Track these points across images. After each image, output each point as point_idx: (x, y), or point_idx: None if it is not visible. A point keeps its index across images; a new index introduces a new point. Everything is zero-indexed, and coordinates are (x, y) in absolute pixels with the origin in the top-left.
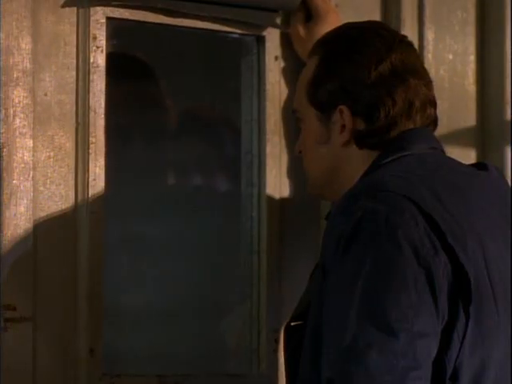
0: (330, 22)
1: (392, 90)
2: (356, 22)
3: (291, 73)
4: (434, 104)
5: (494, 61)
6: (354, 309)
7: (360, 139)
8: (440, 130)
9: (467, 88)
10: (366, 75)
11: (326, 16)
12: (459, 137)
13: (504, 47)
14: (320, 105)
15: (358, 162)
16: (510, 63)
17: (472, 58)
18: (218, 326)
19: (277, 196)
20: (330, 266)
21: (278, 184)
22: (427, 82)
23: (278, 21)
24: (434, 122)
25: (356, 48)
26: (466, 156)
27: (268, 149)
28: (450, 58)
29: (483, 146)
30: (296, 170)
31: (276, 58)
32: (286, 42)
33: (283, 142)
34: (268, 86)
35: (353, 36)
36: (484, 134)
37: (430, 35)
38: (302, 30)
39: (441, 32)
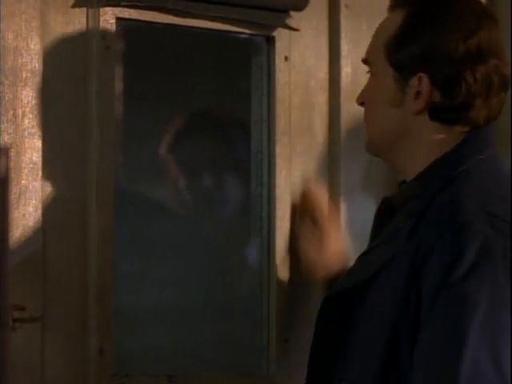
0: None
1: (475, 68)
2: None
3: (301, 73)
4: (507, 87)
5: None
6: (470, 345)
7: (434, 111)
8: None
9: None
10: (453, 48)
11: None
12: None
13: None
14: (399, 66)
15: (429, 134)
16: None
17: None
18: (228, 326)
19: (287, 196)
20: (433, 283)
21: (287, 184)
22: (506, 62)
23: (288, 21)
24: (500, 111)
25: (448, 17)
26: None
27: (278, 149)
28: None
29: None
30: (306, 171)
31: (286, 58)
32: (296, 42)
33: (293, 142)
34: (278, 87)
35: (447, 2)
36: None
37: None
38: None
39: None
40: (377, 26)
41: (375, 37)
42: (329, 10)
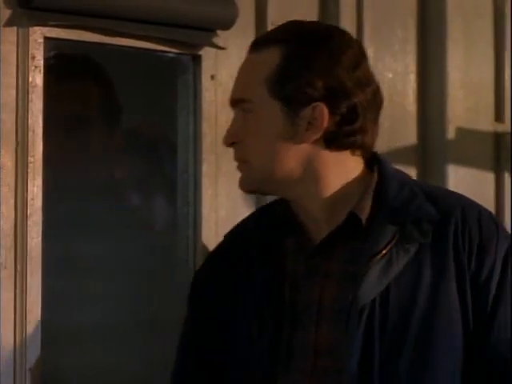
0: None
1: (366, 96)
2: (314, 21)
3: (227, 92)
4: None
5: (435, 79)
6: None
7: (331, 139)
8: (381, 149)
9: (408, 107)
10: (347, 77)
11: None
12: (400, 155)
13: (444, 66)
14: (288, 100)
15: (331, 162)
16: (450, 82)
17: (412, 76)
18: (156, 343)
19: (213, 215)
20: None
21: (213, 203)
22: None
23: (215, 40)
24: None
25: (339, 47)
26: None
27: (204, 168)
28: (389, 77)
29: (424, 165)
30: (232, 190)
31: (212, 76)
32: (223, 60)
33: (219, 161)
34: (204, 105)
35: (331, 33)
36: (424, 152)
37: (369, 54)
38: None
39: (380, 51)
40: None
41: (249, 74)
42: (255, 28)
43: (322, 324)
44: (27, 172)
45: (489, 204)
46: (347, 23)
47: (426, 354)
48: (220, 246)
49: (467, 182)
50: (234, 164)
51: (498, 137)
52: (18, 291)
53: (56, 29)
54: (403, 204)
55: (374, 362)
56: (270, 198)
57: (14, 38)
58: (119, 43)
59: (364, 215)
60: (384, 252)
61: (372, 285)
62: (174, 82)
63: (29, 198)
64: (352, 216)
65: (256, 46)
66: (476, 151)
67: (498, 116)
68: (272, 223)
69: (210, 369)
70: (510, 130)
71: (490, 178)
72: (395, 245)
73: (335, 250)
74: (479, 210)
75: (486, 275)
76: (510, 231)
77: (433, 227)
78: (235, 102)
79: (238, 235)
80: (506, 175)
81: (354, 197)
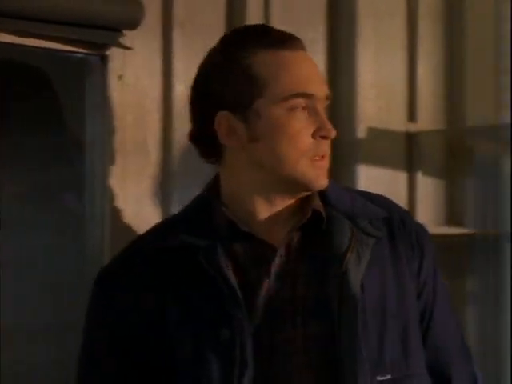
0: None
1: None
2: None
3: (135, 92)
4: None
5: (345, 79)
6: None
7: None
8: None
9: None
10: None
11: None
12: None
13: (355, 65)
14: None
15: None
16: (360, 81)
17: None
18: (65, 346)
19: (120, 215)
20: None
21: (121, 203)
22: None
23: (122, 40)
24: None
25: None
26: None
27: (111, 169)
28: None
29: (335, 165)
30: (139, 190)
31: (120, 77)
32: (130, 61)
33: (127, 161)
34: (111, 106)
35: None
36: (335, 152)
37: None
38: None
39: None
40: (211, 43)
41: (319, 72)
42: (162, 28)
43: (306, 321)
44: None
45: (401, 204)
46: (253, 21)
47: (405, 335)
48: (143, 251)
49: (379, 181)
50: (141, 164)
51: (410, 136)
52: None
53: None
54: (349, 204)
55: (364, 349)
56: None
57: None
58: (28, 44)
59: (324, 213)
60: (352, 247)
61: (354, 278)
62: (82, 82)
63: None
64: (314, 214)
65: (301, 44)
66: (388, 151)
67: (411, 116)
68: (211, 228)
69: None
70: (422, 130)
71: (402, 177)
72: (357, 240)
73: (300, 249)
74: (408, 211)
75: (426, 272)
76: None
77: (383, 224)
78: (327, 98)
79: (167, 239)
80: (419, 175)
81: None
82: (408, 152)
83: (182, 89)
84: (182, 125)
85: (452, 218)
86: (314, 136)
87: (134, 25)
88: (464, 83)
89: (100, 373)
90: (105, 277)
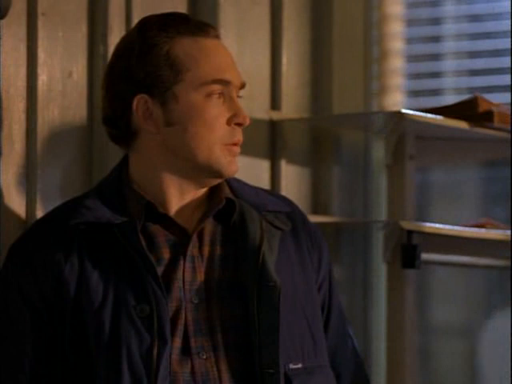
0: None
1: None
2: None
3: (1, 81)
4: None
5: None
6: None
7: None
8: None
9: None
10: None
11: None
12: None
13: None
14: None
15: None
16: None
17: None
18: None
19: None
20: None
21: None
22: None
23: None
24: None
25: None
26: None
27: None
28: None
29: None
30: (3, 181)
31: None
32: None
33: None
34: None
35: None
36: None
37: None
38: None
39: None
40: (73, 33)
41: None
42: (27, 17)
43: (222, 302)
44: None
45: None
46: (115, 12)
47: (313, 326)
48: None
49: (241, 169)
50: (6, 153)
51: (273, 124)
52: None
53: None
54: (255, 197)
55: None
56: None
57: None
58: None
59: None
60: (265, 238)
61: (271, 268)
62: None
63: None
64: (228, 202)
65: (217, 33)
66: (251, 139)
67: (274, 104)
68: (126, 208)
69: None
70: (286, 118)
71: (265, 166)
72: (266, 232)
73: (214, 235)
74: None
75: (325, 268)
76: None
77: (286, 218)
78: (242, 86)
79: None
80: (282, 163)
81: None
82: (271, 140)
83: (44, 78)
84: (44, 113)
85: (317, 206)
86: (228, 123)
87: (1, 14)
88: (330, 71)
89: (18, 346)
90: (18, 252)
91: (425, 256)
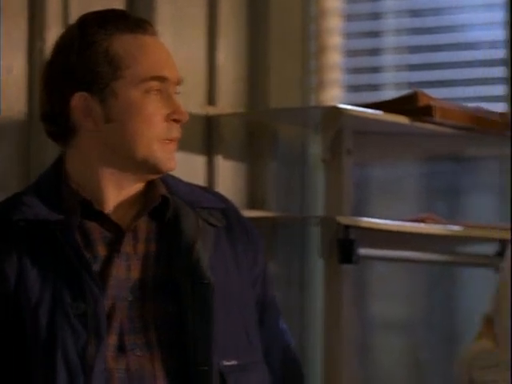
0: None
1: None
2: None
3: None
4: None
5: None
6: None
7: None
8: None
9: None
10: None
11: None
12: None
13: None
14: None
15: None
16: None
17: None
18: None
19: None
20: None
21: None
22: None
23: None
24: None
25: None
26: None
27: None
28: None
29: None
30: None
31: None
32: None
33: None
34: None
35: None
36: None
37: None
38: None
39: None
40: (13, 29)
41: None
42: None
43: (156, 299)
44: None
45: None
46: (53, 7)
47: (247, 323)
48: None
49: (178, 165)
50: None
51: (209, 120)
52: None
53: None
54: (190, 193)
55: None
56: None
57: None
58: None
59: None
60: (199, 235)
61: (205, 265)
62: None
63: None
64: (163, 199)
65: (154, 30)
66: (187, 134)
67: (211, 99)
68: (62, 205)
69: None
70: (222, 113)
71: (201, 161)
72: (200, 227)
73: (149, 232)
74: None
75: (260, 266)
76: None
77: (221, 214)
78: (179, 82)
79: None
80: (219, 158)
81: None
82: (208, 135)
83: None
84: None
85: (254, 201)
86: (166, 119)
87: None
88: (268, 66)
89: None
90: None
91: (364, 251)
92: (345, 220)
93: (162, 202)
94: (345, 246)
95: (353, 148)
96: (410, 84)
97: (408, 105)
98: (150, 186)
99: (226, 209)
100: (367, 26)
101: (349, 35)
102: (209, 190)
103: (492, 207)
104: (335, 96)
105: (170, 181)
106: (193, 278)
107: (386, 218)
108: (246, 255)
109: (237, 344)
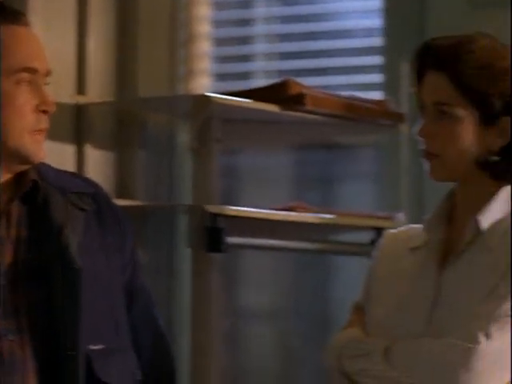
0: None
1: None
2: None
3: None
4: None
5: None
6: None
7: None
8: None
9: None
10: None
11: None
12: None
13: None
14: None
15: None
16: None
17: None
18: None
19: None
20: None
21: None
22: None
23: None
24: None
25: None
26: None
27: None
28: None
29: None
30: None
31: None
32: None
33: None
34: None
35: None
36: None
37: None
38: None
39: None
40: None
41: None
42: None
43: (26, 284)
44: None
45: None
46: None
47: (115, 307)
48: None
49: (48, 154)
50: None
51: (79, 109)
52: None
53: None
54: (59, 178)
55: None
56: None
57: None
58: None
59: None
60: (68, 219)
61: (74, 250)
62: None
63: None
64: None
65: (26, 20)
66: (57, 123)
67: (80, 88)
68: None
69: None
70: (91, 102)
71: (71, 150)
72: (70, 212)
73: (21, 218)
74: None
75: (129, 250)
76: None
77: (90, 199)
78: (49, 73)
79: None
80: (88, 147)
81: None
82: (77, 125)
83: None
84: None
85: (122, 190)
86: (35, 110)
87: None
88: (136, 55)
89: None
90: None
91: (234, 240)
92: (213, 208)
93: (33, 186)
94: (212, 234)
95: (222, 136)
96: (284, 72)
97: (279, 93)
98: (22, 171)
99: (96, 193)
100: (237, 14)
101: (218, 23)
102: (79, 175)
103: (366, 195)
104: (205, 85)
105: (40, 167)
106: (62, 263)
107: (257, 207)
108: (115, 240)
109: (104, 329)
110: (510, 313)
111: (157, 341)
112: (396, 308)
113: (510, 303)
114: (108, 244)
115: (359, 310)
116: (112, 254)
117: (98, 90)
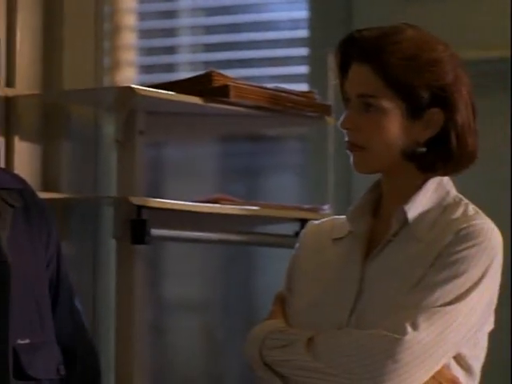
0: None
1: None
2: None
3: None
4: None
5: None
6: None
7: None
8: None
9: None
10: None
11: None
12: None
13: None
14: None
15: None
16: None
17: None
18: None
19: None
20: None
21: None
22: None
23: None
24: None
25: None
26: None
27: None
28: None
29: None
30: None
31: None
32: None
33: None
34: None
35: None
36: None
37: None
38: None
39: None
40: None
41: None
42: None
43: None
44: None
45: None
46: None
47: (40, 301)
48: None
49: None
50: None
51: (8, 101)
52: None
53: None
54: None
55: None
56: None
57: None
58: None
59: None
60: None
61: (5, 245)
62: None
63: None
64: None
65: None
66: None
67: (8, 81)
68: None
69: None
70: (19, 94)
71: None
72: (0, 206)
73: None
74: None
75: (54, 245)
76: None
77: (19, 195)
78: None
79: None
80: (15, 140)
81: None
82: (5, 117)
83: None
84: None
85: (47, 183)
86: None
87: None
88: (61, 47)
89: None
90: None
91: (159, 232)
92: (137, 200)
93: None
94: (137, 226)
95: (147, 129)
96: (210, 64)
97: (203, 85)
98: None
99: (24, 190)
100: (162, 6)
101: (143, 15)
102: (8, 171)
103: (293, 187)
104: (130, 77)
105: None
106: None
107: (183, 199)
108: (40, 235)
109: (30, 323)
110: (437, 303)
111: (80, 334)
112: (319, 299)
113: (437, 293)
114: (35, 240)
115: (281, 301)
116: (38, 249)
117: (26, 82)
